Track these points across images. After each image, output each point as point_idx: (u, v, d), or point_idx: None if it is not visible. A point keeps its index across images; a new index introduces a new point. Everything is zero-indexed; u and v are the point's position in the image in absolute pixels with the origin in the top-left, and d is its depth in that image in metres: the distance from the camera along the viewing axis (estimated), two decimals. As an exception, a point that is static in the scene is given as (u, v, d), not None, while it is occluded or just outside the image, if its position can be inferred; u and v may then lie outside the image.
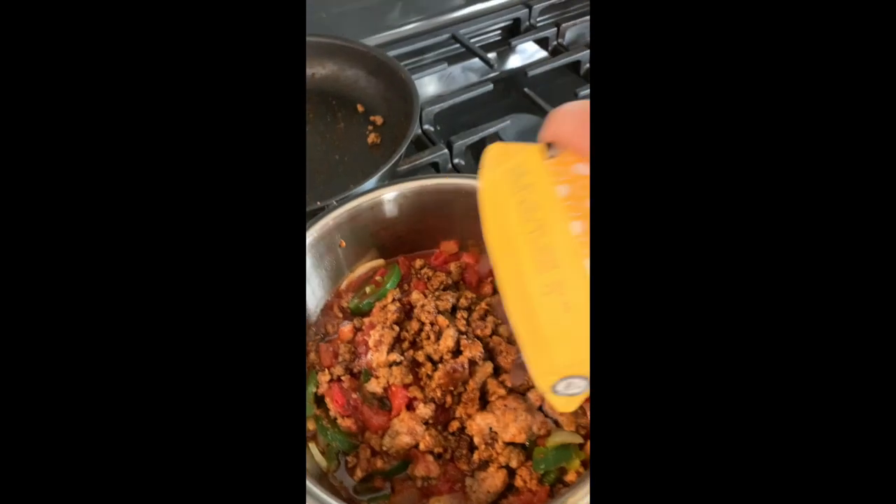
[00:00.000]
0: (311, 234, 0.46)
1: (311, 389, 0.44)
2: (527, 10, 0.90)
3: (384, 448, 0.41)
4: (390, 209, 0.50)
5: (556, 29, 0.88)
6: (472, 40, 0.87)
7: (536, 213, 0.25)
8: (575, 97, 0.74)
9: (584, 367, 0.25)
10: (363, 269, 0.52)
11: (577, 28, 0.90)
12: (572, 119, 0.25)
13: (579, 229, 0.24)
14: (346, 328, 0.47)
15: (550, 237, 0.25)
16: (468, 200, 0.47)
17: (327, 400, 0.43)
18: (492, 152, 0.29)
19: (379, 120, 0.73)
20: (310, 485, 0.35)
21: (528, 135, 0.73)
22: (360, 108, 0.76)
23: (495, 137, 0.71)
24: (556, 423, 0.39)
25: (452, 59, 0.85)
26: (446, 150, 0.68)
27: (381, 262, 0.52)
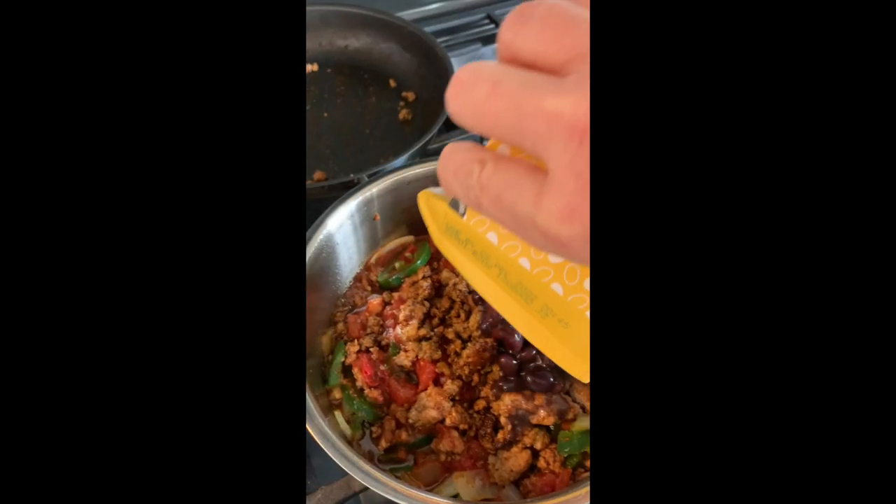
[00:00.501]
0: (352, 203, 0.46)
1: (339, 359, 0.44)
2: (564, -5, 0.89)
3: (410, 421, 0.41)
4: (426, 186, 0.50)
5: (592, 16, 0.87)
6: (507, 22, 0.86)
7: (491, 260, 0.27)
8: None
9: None
10: (393, 244, 0.52)
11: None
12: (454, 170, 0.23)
13: (528, 264, 0.26)
14: (376, 301, 0.47)
15: (515, 277, 0.26)
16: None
17: (355, 370, 0.44)
18: (421, 205, 0.30)
19: (411, 96, 0.73)
20: (340, 445, 0.36)
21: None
22: (392, 82, 0.75)
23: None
24: (584, 408, 0.40)
25: (486, 40, 0.84)
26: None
27: (411, 238, 0.52)
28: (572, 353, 0.26)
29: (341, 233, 0.46)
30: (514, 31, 0.20)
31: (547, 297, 0.26)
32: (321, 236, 0.45)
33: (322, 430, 0.37)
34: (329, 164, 0.66)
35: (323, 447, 0.37)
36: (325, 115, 0.72)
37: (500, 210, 0.21)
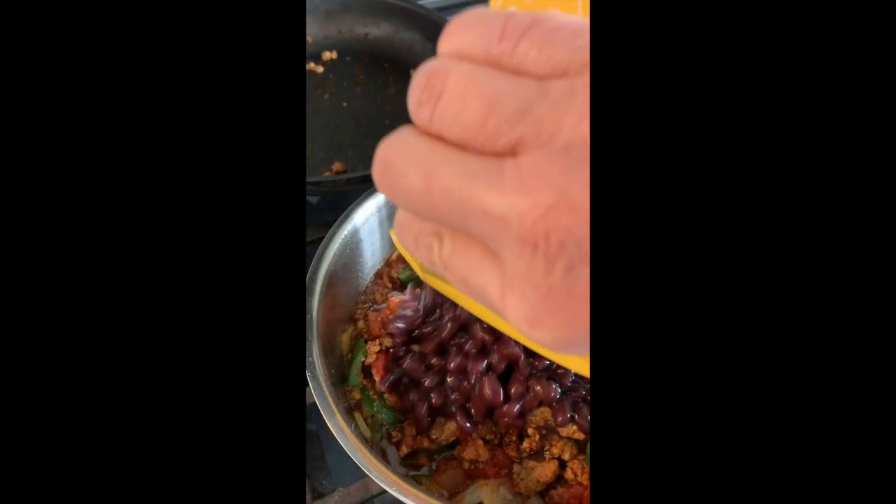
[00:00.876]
0: (381, 196, 0.45)
1: (359, 358, 0.43)
2: (589, -10, 0.87)
3: (432, 437, 0.40)
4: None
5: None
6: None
7: None
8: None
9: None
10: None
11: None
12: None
13: None
14: (396, 299, 0.46)
15: None
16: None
17: (374, 371, 0.43)
18: (397, 243, 0.29)
19: (433, 88, 0.71)
20: (361, 447, 0.35)
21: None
22: (412, 73, 0.73)
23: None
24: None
25: (509, 33, 0.82)
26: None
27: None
28: (583, 361, 0.26)
29: (367, 227, 0.45)
30: (428, 109, 0.17)
31: None
32: (346, 231, 0.43)
33: (342, 430, 0.36)
34: (348, 154, 0.65)
35: (344, 447, 0.36)
36: (345, 104, 0.70)
37: (469, 292, 0.19)
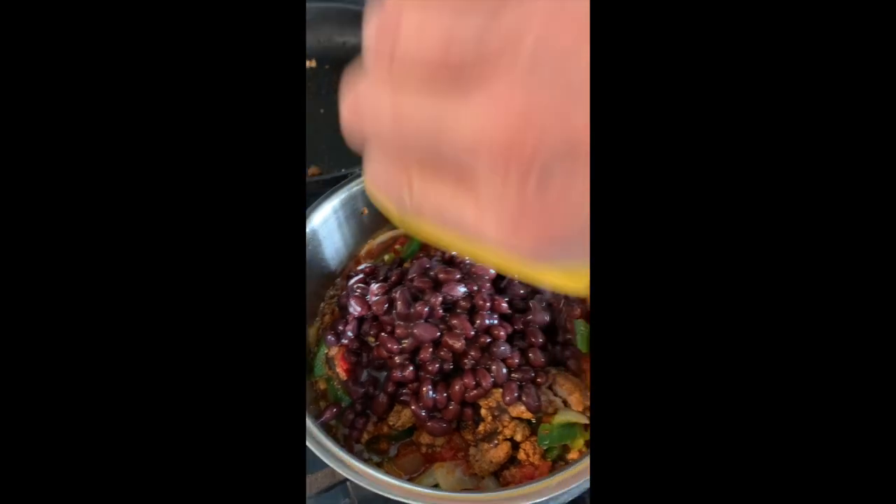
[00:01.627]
0: (336, 199, 0.47)
1: (323, 350, 0.45)
2: None
3: (390, 423, 0.41)
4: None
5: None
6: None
7: None
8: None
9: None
10: (384, 237, 0.52)
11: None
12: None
13: None
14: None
15: None
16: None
17: (336, 362, 0.44)
18: (371, 193, 0.29)
19: (408, 92, 0.73)
20: (322, 437, 0.36)
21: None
22: (389, 78, 0.75)
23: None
24: (565, 402, 0.40)
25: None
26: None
27: (401, 231, 0.52)
28: (562, 275, 0.26)
29: (326, 228, 0.47)
30: (385, 55, 0.17)
31: None
32: (309, 227, 0.45)
33: (321, 440, 0.37)
34: (325, 159, 0.67)
35: (310, 446, 0.37)
36: (322, 111, 0.72)
37: (446, 226, 0.20)
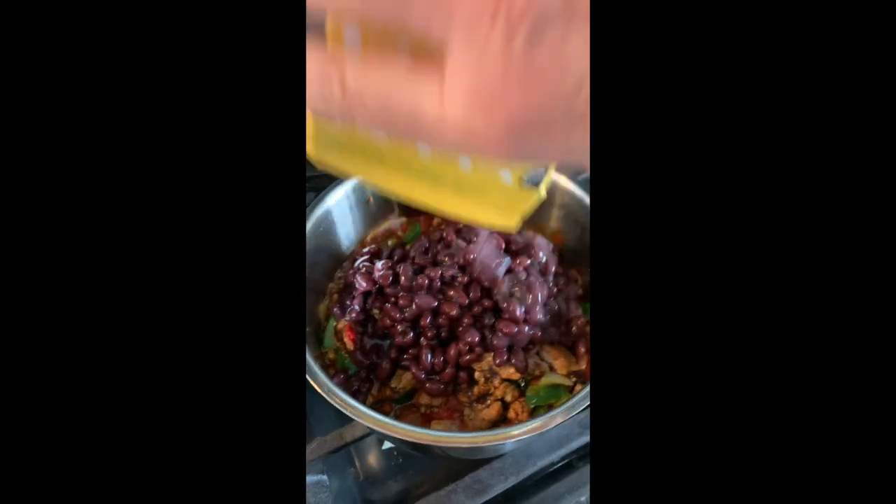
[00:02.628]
0: (348, 185, 0.51)
1: (332, 324, 0.49)
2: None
3: (392, 386, 0.46)
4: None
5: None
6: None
7: (386, 158, 0.25)
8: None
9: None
10: (387, 224, 0.57)
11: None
12: None
13: (426, 148, 0.24)
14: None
15: (417, 164, 0.25)
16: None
17: (345, 335, 0.48)
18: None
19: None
20: (343, 395, 0.40)
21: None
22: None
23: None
24: (551, 367, 0.44)
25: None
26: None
27: (403, 220, 0.57)
28: (495, 210, 0.26)
29: (339, 210, 0.51)
30: None
31: (455, 173, 0.25)
32: (320, 212, 0.49)
33: (324, 384, 0.40)
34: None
35: (327, 398, 0.40)
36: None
37: (389, 122, 0.17)
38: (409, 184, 0.25)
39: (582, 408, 0.38)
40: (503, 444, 0.43)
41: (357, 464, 0.54)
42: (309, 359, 0.42)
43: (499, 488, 0.45)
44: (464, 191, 0.25)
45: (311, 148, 0.24)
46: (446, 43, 0.15)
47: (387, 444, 0.54)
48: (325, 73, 0.17)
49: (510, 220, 0.26)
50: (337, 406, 0.40)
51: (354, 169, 0.25)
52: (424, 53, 0.15)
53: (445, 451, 0.44)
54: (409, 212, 0.57)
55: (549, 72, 0.14)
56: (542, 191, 0.26)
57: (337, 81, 0.16)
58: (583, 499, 0.49)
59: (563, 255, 0.51)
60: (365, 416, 0.39)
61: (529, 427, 0.37)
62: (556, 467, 0.50)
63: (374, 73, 0.16)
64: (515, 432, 0.37)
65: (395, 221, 0.57)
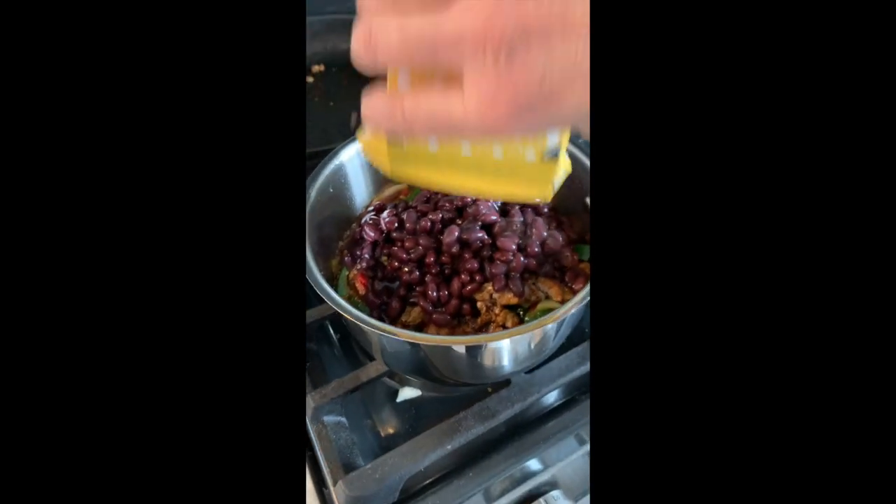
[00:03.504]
0: (351, 150, 0.55)
1: (344, 274, 0.53)
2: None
3: (402, 320, 0.50)
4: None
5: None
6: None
7: (440, 162, 0.33)
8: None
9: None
10: (391, 190, 0.61)
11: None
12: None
13: (468, 149, 0.32)
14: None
15: (463, 162, 0.32)
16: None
17: (357, 283, 0.53)
18: (365, 150, 0.35)
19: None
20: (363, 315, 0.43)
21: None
22: (389, 76, 0.86)
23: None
24: (546, 295, 0.48)
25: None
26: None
27: (405, 185, 0.61)
28: (528, 185, 0.33)
29: (351, 166, 0.55)
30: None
31: (491, 161, 0.33)
32: (333, 165, 0.54)
33: (348, 309, 0.43)
34: (336, 143, 0.76)
35: (355, 321, 0.42)
36: (331, 104, 0.83)
37: (435, 128, 0.25)
38: (459, 178, 0.33)
39: (563, 316, 0.41)
40: (504, 369, 0.47)
41: (373, 417, 0.57)
42: (335, 296, 0.44)
43: (505, 414, 0.48)
44: (501, 174, 0.33)
45: (385, 167, 0.34)
46: (462, 69, 0.23)
47: (401, 397, 0.57)
48: (390, 107, 0.26)
49: (543, 192, 0.33)
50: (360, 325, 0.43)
51: (418, 175, 0.34)
52: (450, 78, 0.23)
53: (451, 367, 0.47)
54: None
55: (523, 74, 0.22)
56: (564, 160, 0.33)
57: (399, 110, 0.25)
58: (582, 431, 0.52)
59: (557, 207, 0.55)
60: (372, 325, 0.42)
61: (513, 330, 0.41)
62: (560, 402, 0.54)
63: (421, 99, 0.25)
64: (503, 333, 0.41)
65: (398, 187, 0.61)
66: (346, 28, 0.91)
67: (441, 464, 0.48)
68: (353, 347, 0.59)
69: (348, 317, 0.42)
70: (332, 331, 0.59)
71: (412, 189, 0.60)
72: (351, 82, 0.87)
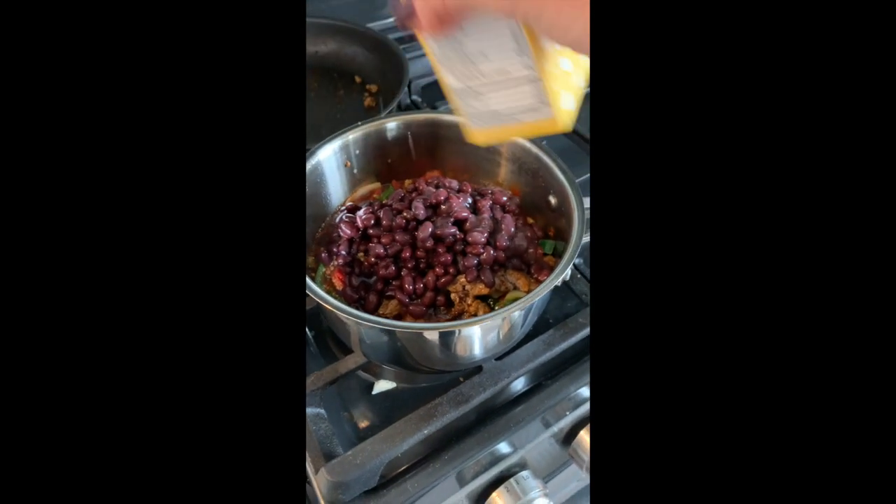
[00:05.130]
0: (337, 142, 0.58)
1: (321, 270, 0.55)
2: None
3: (380, 313, 0.52)
4: (390, 136, 0.62)
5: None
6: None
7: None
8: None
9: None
10: (364, 190, 0.63)
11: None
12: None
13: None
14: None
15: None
16: (450, 132, 0.59)
17: (334, 279, 0.55)
18: (479, 140, 0.42)
19: (374, 88, 0.86)
20: (346, 307, 0.45)
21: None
22: (357, 79, 0.88)
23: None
24: (514, 286, 0.51)
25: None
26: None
27: (378, 185, 0.64)
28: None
29: (328, 164, 0.57)
30: None
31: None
32: (311, 163, 0.56)
33: (329, 300, 0.45)
34: (321, 132, 0.78)
35: (335, 311, 0.44)
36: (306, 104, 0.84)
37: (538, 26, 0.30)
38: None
39: (530, 302, 0.45)
40: (475, 356, 0.50)
41: (350, 409, 0.59)
42: (313, 285, 0.46)
43: (478, 399, 0.51)
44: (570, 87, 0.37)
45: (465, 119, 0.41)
46: None
47: (376, 389, 0.59)
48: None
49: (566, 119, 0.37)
50: (331, 310, 0.45)
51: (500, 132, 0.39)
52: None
53: (426, 354, 0.49)
54: (384, 177, 0.64)
55: None
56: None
57: None
58: (548, 415, 0.55)
59: (522, 206, 0.59)
60: (352, 314, 0.44)
61: (485, 317, 0.44)
62: (527, 388, 0.57)
63: None
64: (475, 320, 0.44)
65: (371, 186, 0.63)
66: (314, 29, 0.93)
67: (417, 449, 0.50)
68: (329, 343, 0.61)
69: (329, 307, 0.44)
70: (307, 328, 0.61)
71: (384, 189, 0.62)
72: (322, 84, 0.88)
